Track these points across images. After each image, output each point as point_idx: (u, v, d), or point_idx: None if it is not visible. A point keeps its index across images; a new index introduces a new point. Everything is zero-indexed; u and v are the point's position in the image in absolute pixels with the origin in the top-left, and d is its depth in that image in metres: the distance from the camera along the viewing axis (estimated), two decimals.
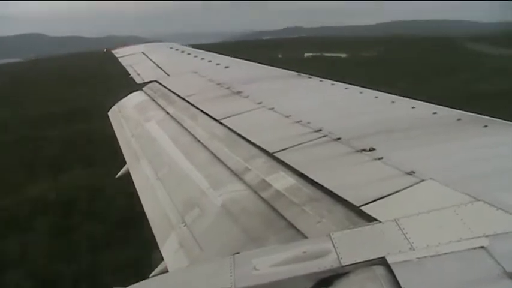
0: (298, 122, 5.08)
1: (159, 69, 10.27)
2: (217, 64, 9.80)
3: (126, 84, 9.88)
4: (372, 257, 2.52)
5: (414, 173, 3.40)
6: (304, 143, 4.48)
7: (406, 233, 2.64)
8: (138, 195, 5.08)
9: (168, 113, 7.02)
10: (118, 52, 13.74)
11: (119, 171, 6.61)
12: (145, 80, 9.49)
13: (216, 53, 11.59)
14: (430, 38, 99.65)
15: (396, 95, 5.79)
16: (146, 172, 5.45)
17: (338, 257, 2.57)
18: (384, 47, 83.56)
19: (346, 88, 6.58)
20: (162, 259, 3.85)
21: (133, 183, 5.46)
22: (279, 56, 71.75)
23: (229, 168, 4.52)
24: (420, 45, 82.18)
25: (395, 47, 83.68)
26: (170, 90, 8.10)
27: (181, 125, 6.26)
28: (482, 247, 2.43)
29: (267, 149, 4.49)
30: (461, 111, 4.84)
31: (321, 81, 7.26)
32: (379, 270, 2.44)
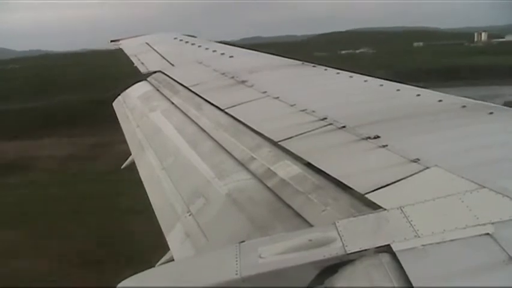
0: (303, 110, 5.06)
1: (164, 59, 10.25)
2: (222, 54, 9.77)
3: None
4: (377, 245, 2.51)
5: (419, 160, 3.39)
6: (309, 131, 4.46)
7: (411, 221, 2.64)
8: (143, 185, 5.11)
9: (172, 103, 7.02)
10: (123, 43, 13.73)
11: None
12: (150, 70, 9.49)
13: None
14: None
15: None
16: (151, 162, 5.46)
17: (343, 244, 2.57)
18: None
19: (350, 76, 6.55)
20: (168, 248, 3.87)
21: (138, 173, 5.48)
22: None
23: (234, 158, 4.52)
24: None
25: None
26: (175, 80, 8.09)
27: (186, 115, 6.26)
28: (487, 234, 2.42)
29: (272, 137, 4.48)
30: (466, 99, 4.81)
31: (325, 69, 7.23)
32: (385, 257, 2.44)
